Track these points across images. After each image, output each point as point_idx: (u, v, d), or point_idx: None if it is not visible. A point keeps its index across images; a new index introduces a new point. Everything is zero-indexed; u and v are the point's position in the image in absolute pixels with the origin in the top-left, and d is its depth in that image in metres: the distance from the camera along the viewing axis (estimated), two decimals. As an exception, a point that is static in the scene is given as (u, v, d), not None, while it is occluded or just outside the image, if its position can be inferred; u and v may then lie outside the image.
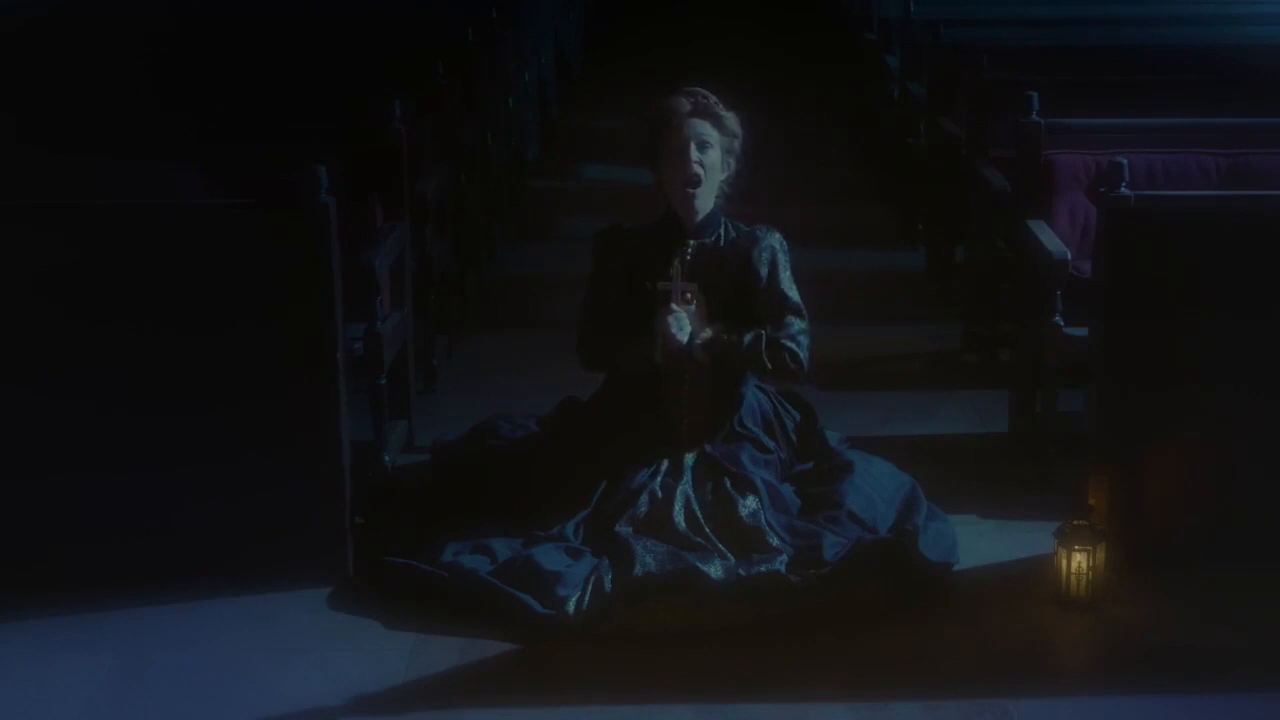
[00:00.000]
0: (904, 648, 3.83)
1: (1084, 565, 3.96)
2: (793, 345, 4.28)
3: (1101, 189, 4.24)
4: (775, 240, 4.36)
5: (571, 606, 3.85)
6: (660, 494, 4.09)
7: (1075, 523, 4.01)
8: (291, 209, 4.08)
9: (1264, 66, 6.40)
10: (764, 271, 4.31)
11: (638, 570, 3.89)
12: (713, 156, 4.28)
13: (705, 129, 4.27)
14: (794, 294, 4.34)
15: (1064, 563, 3.97)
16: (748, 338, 4.25)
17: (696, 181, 4.25)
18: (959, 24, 7.22)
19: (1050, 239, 4.72)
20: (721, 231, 4.36)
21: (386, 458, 4.61)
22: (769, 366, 4.27)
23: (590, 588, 3.87)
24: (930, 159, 6.77)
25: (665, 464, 4.18)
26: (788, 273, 4.35)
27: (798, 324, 4.31)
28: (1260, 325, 4.08)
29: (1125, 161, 4.19)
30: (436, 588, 4.00)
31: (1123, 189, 4.13)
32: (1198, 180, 4.96)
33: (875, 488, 4.29)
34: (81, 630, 3.91)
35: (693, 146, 4.25)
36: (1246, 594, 4.01)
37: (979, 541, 4.32)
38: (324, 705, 3.61)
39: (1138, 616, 3.96)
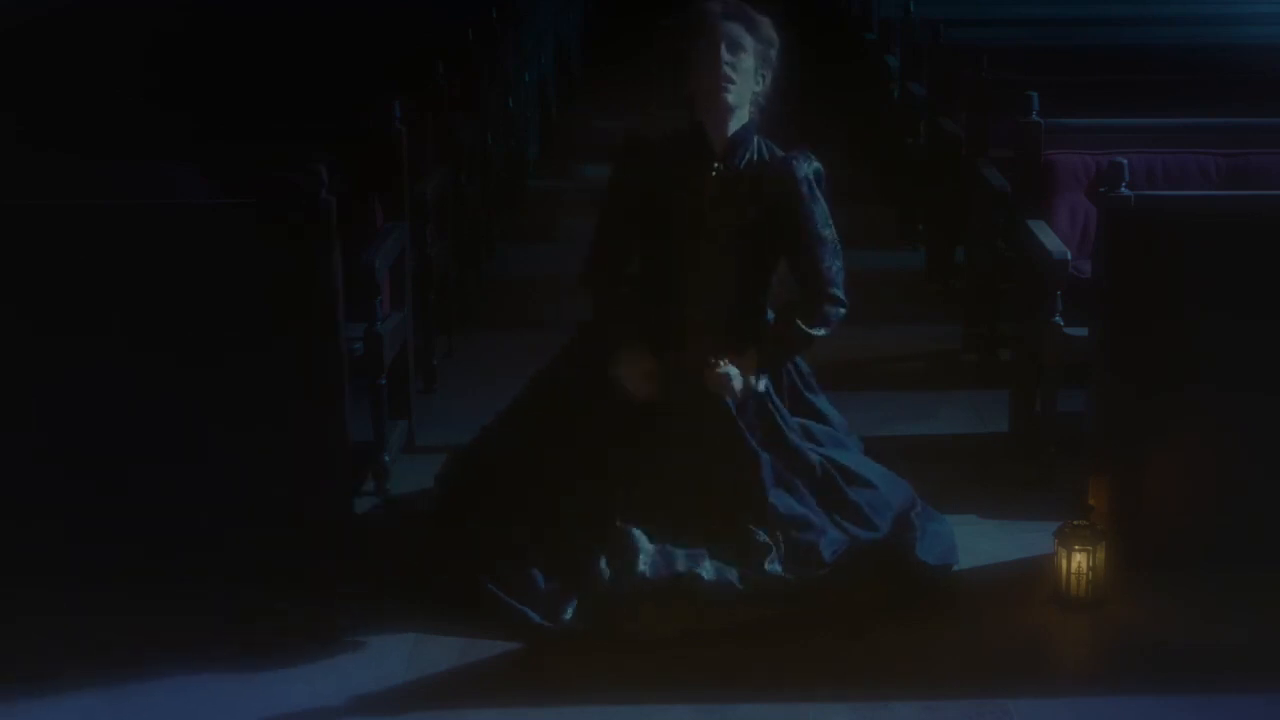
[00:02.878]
0: (904, 648, 3.83)
1: (1084, 565, 3.96)
2: (830, 306, 4.09)
3: (1101, 189, 4.24)
4: (810, 171, 4.08)
5: (569, 614, 3.86)
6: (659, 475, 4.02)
7: (1075, 523, 4.02)
8: (292, 209, 4.08)
9: (1264, 66, 6.40)
10: (797, 207, 4.05)
11: (637, 571, 3.88)
12: (746, 62, 4.03)
13: (738, 31, 4.02)
14: (829, 232, 4.08)
15: (1064, 563, 3.97)
16: (796, 335, 4.07)
17: (728, 80, 4.00)
18: (959, 24, 7.22)
19: (1050, 239, 4.72)
20: (753, 152, 4.10)
21: (386, 457, 4.61)
22: (823, 332, 4.11)
23: (587, 600, 3.87)
24: (930, 159, 6.77)
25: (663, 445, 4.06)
26: (822, 206, 4.08)
27: (834, 265, 4.08)
28: (1260, 325, 4.08)
29: (1125, 161, 4.19)
30: (437, 591, 4.00)
31: (1123, 189, 4.13)
32: (1198, 180, 4.96)
33: (877, 487, 4.25)
34: (80, 632, 3.91)
35: (723, 48, 3.99)
36: (1247, 593, 4.01)
37: (979, 541, 4.31)
38: (324, 705, 3.61)
39: (1138, 616, 3.96)
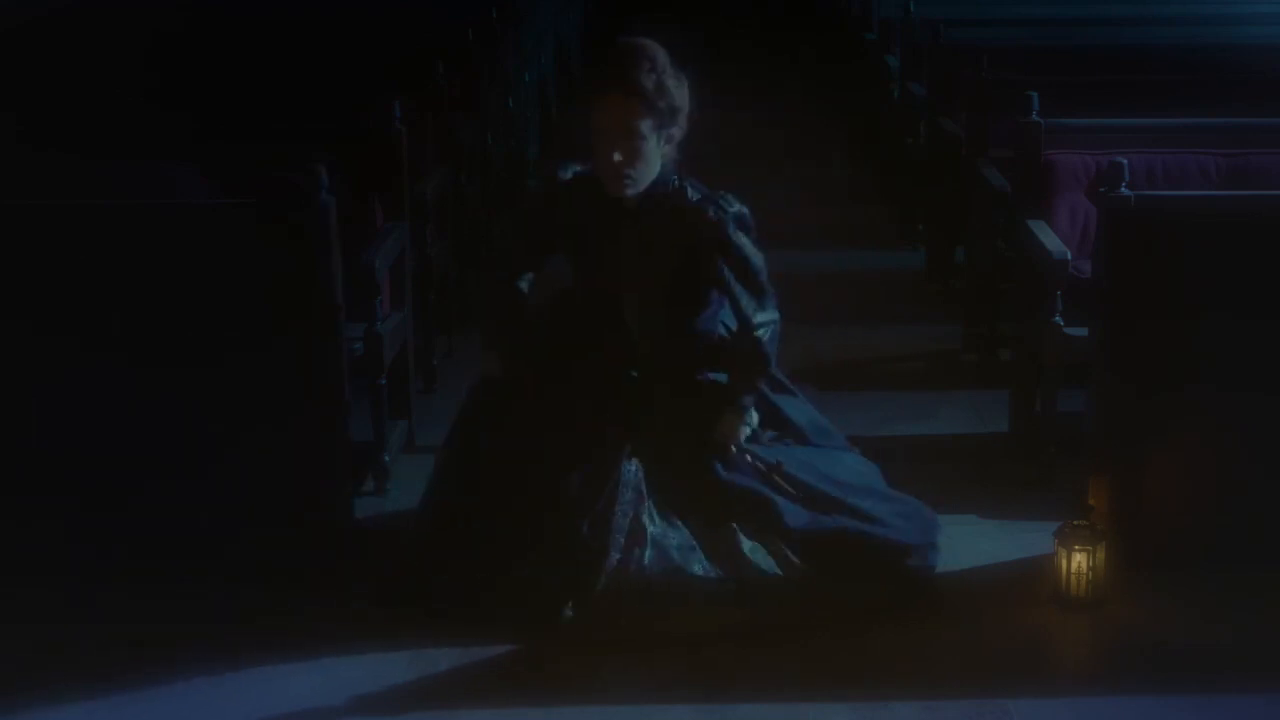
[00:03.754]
0: (904, 648, 3.83)
1: (1084, 565, 3.96)
2: (757, 349, 3.99)
3: (1101, 189, 4.24)
4: (727, 218, 3.92)
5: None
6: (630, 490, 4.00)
7: (1075, 523, 4.02)
8: (292, 209, 4.08)
9: (1264, 66, 6.40)
10: (718, 262, 3.93)
11: (644, 564, 3.90)
12: (646, 145, 3.83)
13: (634, 120, 3.80)
14: (744, 276, 3.94)
15: (1064, 563, 3.97)
16: (740, 394, 4.00)
17: (622, 174, 3.85)
18: (959, 24, 7.22)
19: (1050, 239, 4.72)
20: (667, 196, 3.92)
21: (386, 457, 4.61)
22: (764, 370, 4.05)
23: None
24: (930, 159, 6.77)
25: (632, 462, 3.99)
26: (740, 252, 3.92)
27: (752, 306, 3.95)
28: (1260, 325, 4.08)
29: (1125, 161, 4.19)
30: (437, 591, 4.00)
31: (1123, 189, 4.13)
32: (1198, 180, 4.96)
33: (833, 467, 4.16)
34: (80, 633, 3.91)
35: (615, 152, 3.83)
36: (1247, 594, 4.01)
37: (979, 541, 4.32)
38: (324, 706, 3.61)
39: (1138, 616, 3.97)
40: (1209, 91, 5.82)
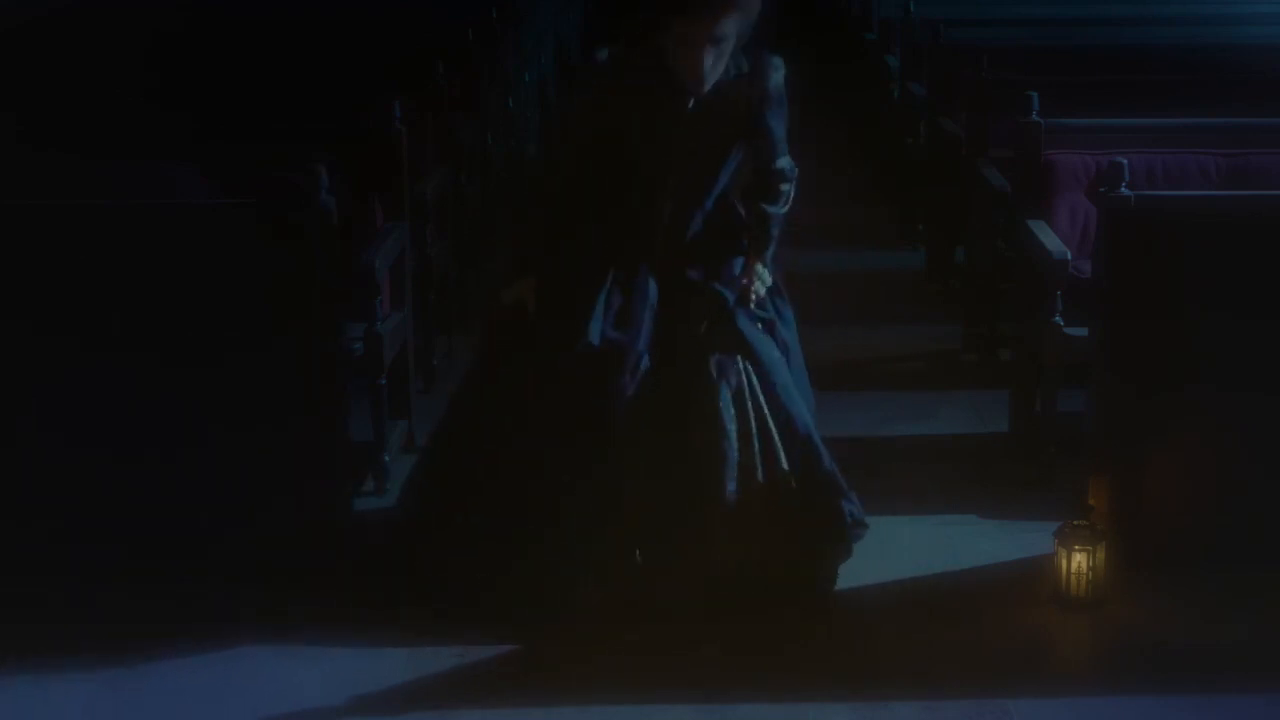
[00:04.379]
0: (904, 648, 3.84)
1: (1084, 565, 3.96)
2: (781, 183, 4.23)
3: (1101, 189, 4.25)
4: (780, 81, 4.11)
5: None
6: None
7: (1075, 523, 4.02)
8: (292, 209, 4.08)
9: (1264, 66, 6.40)
10: (764, 114, 4.11)
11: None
12: (726, 45, 3.92)
13: (726, 26, 3.88)
14: (783, 131, 4.22)
15: (1064, 563, 3.98)
16: (766, 218, 4.20)
17: (703, 79, 3.92)
18: (959, 24, 7.22)
19: (1050, 239, 4.72)
20: (729, 86, 4.01)
21: (386, 457, 4.61)
22: (784, 209, 4.25)
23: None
24: (930, 159, 6.77)
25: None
26: (783, 110, 4.18)
27: (783, 155, 4.26)
28: (1260, 325, 4.08)
29: (1125, 161, 4.19)
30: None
31: (1123, 189, 4.14)
32: (1198, 180, 4.96)
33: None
34: (80, 632, 3.91)
35: (707, 56, 3.88)
36: (1246, 594, 4.01)
37: (979, 541, 4.32)
38: (323, 705, 3.62)
39: (1138, 616, 3.97)
40: (1209, 91, 5.82)
